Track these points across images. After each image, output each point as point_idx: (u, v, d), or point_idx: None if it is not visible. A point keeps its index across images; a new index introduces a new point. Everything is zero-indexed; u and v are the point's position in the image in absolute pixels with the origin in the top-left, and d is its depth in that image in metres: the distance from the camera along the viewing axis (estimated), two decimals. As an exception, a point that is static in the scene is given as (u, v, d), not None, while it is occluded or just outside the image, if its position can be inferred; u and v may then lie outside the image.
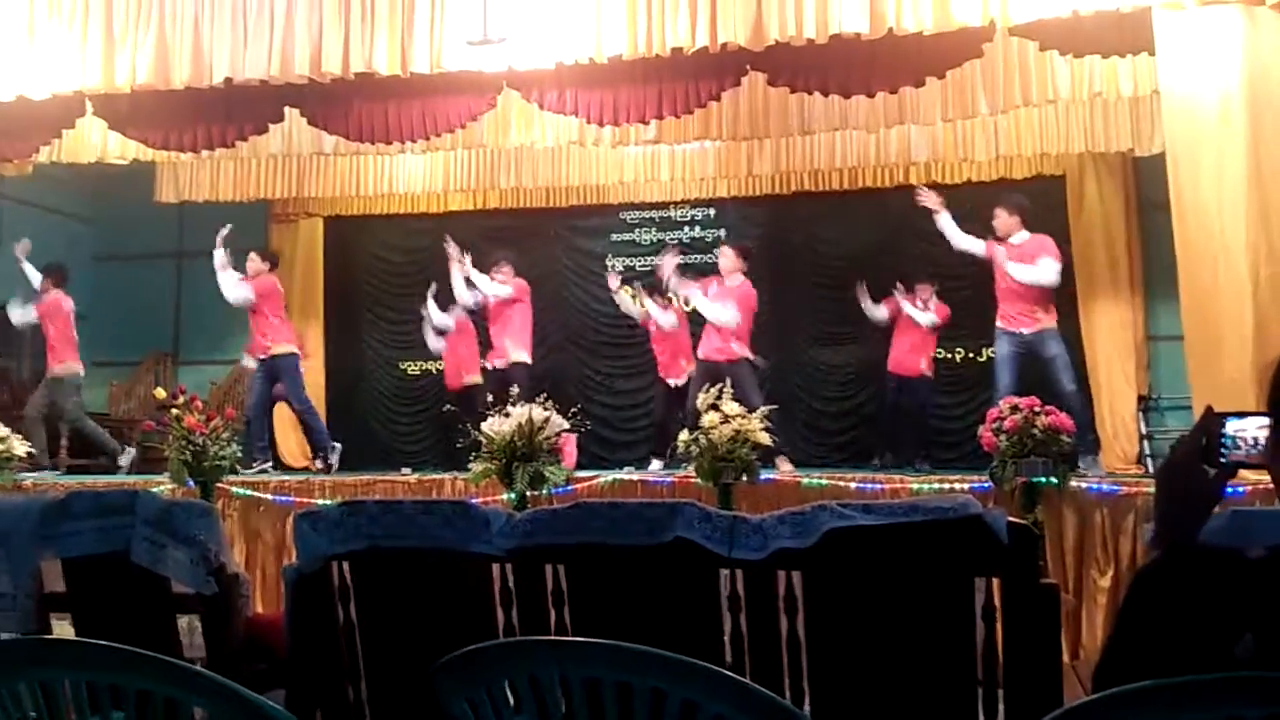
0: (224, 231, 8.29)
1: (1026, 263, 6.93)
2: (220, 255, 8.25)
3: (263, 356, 8.33)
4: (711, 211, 10.73)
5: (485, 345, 9.00)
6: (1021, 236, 7.04)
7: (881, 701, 2.22)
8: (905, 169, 9.43)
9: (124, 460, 8.50)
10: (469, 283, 8.59)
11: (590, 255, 10.98)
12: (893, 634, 2.21)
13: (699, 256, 10.76)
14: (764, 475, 6.24)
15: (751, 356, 7.65)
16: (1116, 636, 1.45)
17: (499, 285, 8.40)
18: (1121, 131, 7.98)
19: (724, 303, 7.61)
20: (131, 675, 1.48)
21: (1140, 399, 9.08)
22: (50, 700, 1.52)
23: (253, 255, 8.46)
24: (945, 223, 7.42)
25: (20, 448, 7.05)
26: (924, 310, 8.23)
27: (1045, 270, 6.90)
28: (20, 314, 8.62)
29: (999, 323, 7.12)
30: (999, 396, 6.73)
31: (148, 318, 11.67)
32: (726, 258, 7.91)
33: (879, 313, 8.45)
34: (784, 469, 7.07)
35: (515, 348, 8.39)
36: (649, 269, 10.82)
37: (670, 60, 6.30)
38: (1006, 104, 7.16)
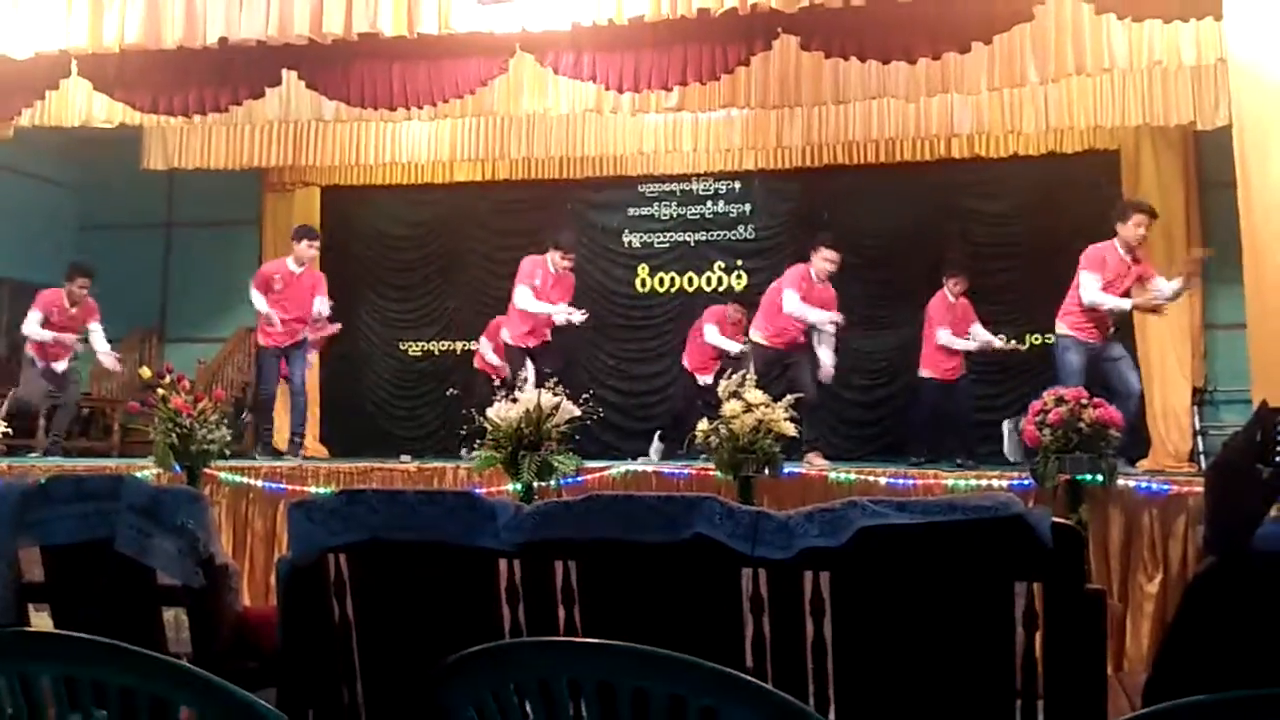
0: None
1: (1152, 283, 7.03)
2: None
3: (286, 344, 8.49)
4: (737, 185, 10.71)
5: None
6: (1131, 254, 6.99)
7: (912, 712, 2.22)
8: (947, 141, 9.39)
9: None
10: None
11: (606, 231, 10.98)
12: (926, 640, 2.20)
13: (722, 233, 10.77)
14: (787, 469, 6.24)
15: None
16: (1168, 648, 1.44)
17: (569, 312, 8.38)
18: (1183, 103, 7.91)
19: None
20: (114, 671, 1.49)
21: (1195, 391, 9.04)
22: (29, 696, 1.54)
23: (307, 242, 8.51)
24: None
25: (-5, 429, 7.12)
26: (954, 300, 8.20)
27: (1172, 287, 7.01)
28: (110, 359, 8.79)
29: (1066, 328, 7.08)
30: None
31: (133, 291, 11.73)
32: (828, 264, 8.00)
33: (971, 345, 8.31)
34: (817, 464, 7.09)
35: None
36: (667, 245, 10.85)
37: (695, 22, 6.27)
38: (1058, 72, 7.09)
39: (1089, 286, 6.88)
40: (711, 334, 9.12)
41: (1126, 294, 6.96)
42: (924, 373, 8.30)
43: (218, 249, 11.57)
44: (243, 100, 7.48)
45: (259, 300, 8.37)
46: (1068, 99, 8.17)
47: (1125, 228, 6.92)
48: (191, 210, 11.89)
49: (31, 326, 8.55)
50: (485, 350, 9.64)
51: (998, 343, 8.21)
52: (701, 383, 9.01)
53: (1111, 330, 7.15)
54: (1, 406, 8.30)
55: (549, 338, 8.55)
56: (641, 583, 2.36)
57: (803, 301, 7.76)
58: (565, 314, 8.29)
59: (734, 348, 8.95)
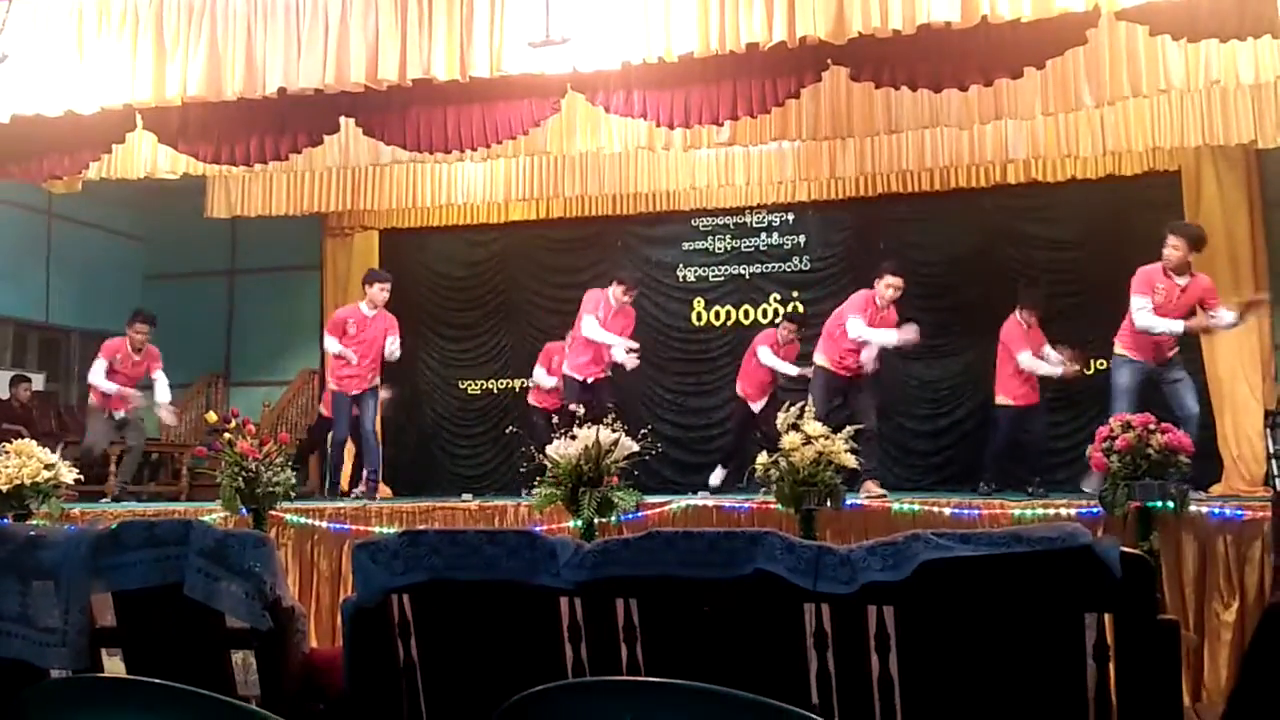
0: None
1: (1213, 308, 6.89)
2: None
3: (358, 392, 8.64)
4: (790, 217, 10.70)
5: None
6: (1184, 276, 6.89)
7: (983, 749, 2.19)
8: (1002, 167, 9.33)
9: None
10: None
11: (660, 265, 11.01)
12: (995, 675, 2.17)
13: (777, 265, 10.76)
14: (849, 501, 6.18)
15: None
16: (1244, 678, 1.41)
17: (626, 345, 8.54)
18: (1243, 122, 7.79)
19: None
20: (185, 715, 1.51)
21: (1268, 414, 8.77)
22: (103, 740, 1.57)
23: (379, 285, 8.71)
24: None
25: (68, 475, 7.26)
26: (1028, 328, 8.06)
27: (1231, 317, 6.92)
28: (168, 412, 9.07)
29: (1122, 350, 7.07)
30: None
31: (198, 338, 11.97)
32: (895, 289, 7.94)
33: (1057, 369, 8.15)
34: (874, 493, 7.03)
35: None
36: (722, 278, 10.85)
37: (745, 57, 6.29)
38: (1114, 95, 7.02)
39: (1140, 310, 6.84)
40: (766, 356, 9.03)
41: (1185, 316, 6.85)
42: (1001, 399, 8.18)
43: (280, 294, 11.79)
44: (302, 148, 7.61)
45: (333, 345, 8.57)
46: (1125, 121, 8.07)
47: (1165, 250, 6.88)
48: (254, 257, 12.14)
49: (97, 376, 8.75)
50: (539, 377, 9.67)
51: (1060, 370, 8.07)
52: (755, 409, 8.95)
53: (1172, 352, 7.03)
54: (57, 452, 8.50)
55: (608, 373, 8.63)
56: (703, 620, 2.35)
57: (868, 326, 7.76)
58: (624, 348, 8.43)
59: (790, 370, 8.90)
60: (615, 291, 8.57)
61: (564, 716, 1.51)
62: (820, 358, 7.98)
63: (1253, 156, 8.85)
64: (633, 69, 6.48)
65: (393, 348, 8.61)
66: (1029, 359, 7.99)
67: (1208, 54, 6.71)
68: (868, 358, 7.72)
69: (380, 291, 8.64)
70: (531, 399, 9.89)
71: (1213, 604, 5.53)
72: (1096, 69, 6.86)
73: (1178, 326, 6.85)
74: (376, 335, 8.59)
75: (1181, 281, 6.85)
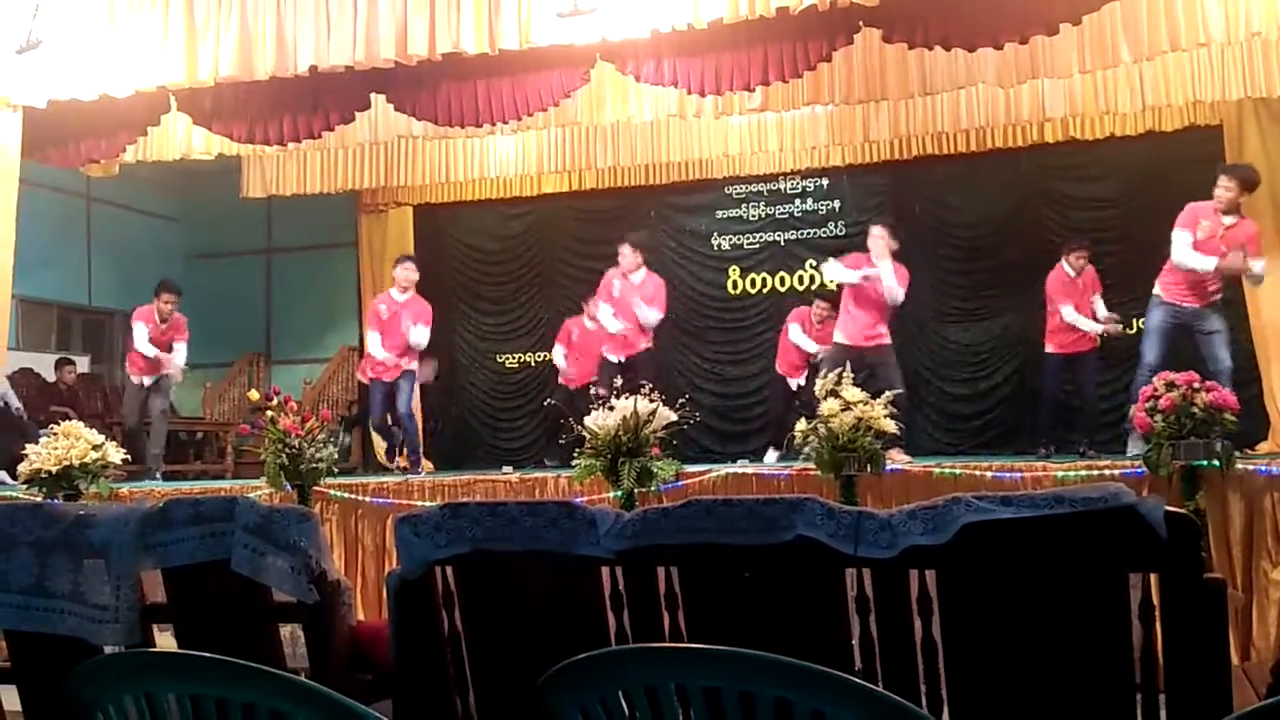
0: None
1: (1253, 255, 6.79)
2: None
3: (391, 379, 8.55)
4: (825, 182, 10.63)
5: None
6: (1232, 216, 6.80)
7: (1028, 710, 2.18)
8: (1039, 126, 9.19)
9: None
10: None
11: (694, 234, 10.99)
12: (1039, 637, 2.16)
13: (812, 231, 10.70)
14: (889, 466, 6.16)
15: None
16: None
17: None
18: (1286, 74, 7.63)
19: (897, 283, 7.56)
20: (236, 687, 1.54)
21: (1315, 370, 8.72)
22: (155, 714, 1.59)
23: (402, 266, 8.64)
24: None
25: (116, 455, 7.36)
26: (1075, 275, 7.86)
27: (1261, 268, 6.81)
28: (177, 370, 8.93)
29: (1159, 290, 6.99)
30: (1143, 372, 6.63)
31: (239, 317, 12.10)
32: (879, 240, 7.66)
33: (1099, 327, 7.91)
34: (899, 460, 6.98)
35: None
36: (757, 246, 10.81)
37: (776, 21, 6.23)
38: (1152, 50, 6.90)
39: (1178, 244, 6.79)
40: (794, 332, 9.04)
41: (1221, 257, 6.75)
42: (1049, 348, 8.05)
43: (318, 272, 11.88)
44: (334, 126, 7.65)
45: (373, 343, 8.56)
46: (1164, 76, 7.93)
47: (1216, 190, 6.82)
48: (291, 235, 12.23)
49: (141, 341, 8.81)
50: (557, 357, 9.65)
51: (1103, 328, 7.89)
52: (793, 385, 8.94)
53: (1212, 298, 6.91)
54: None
55: (645, 346, 8.48)
56: (744, 586, 2.35)
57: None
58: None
59: (812, 347, 8.84)
60: (623, 253, 8.47)
61: (608, 683, 1.52)
62: (837, 333, 7.77)
63: (1296, 108, 8.68)
64: (662, 36, 6.44)
65: (418, 337, 8.41)
66: (1072, 313, 7.82)
67: (1248, 5, 6.57)
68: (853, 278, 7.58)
69: (404, 273, 8.55)
70: (563, 378, 9.83)
71: (1260, 562, 5.47)
72: (1134, 23, 6.75)
73: (1209, 263, 6.73)
74: (404, 321, 8.46)
75: (1228, 221, 6.76)
